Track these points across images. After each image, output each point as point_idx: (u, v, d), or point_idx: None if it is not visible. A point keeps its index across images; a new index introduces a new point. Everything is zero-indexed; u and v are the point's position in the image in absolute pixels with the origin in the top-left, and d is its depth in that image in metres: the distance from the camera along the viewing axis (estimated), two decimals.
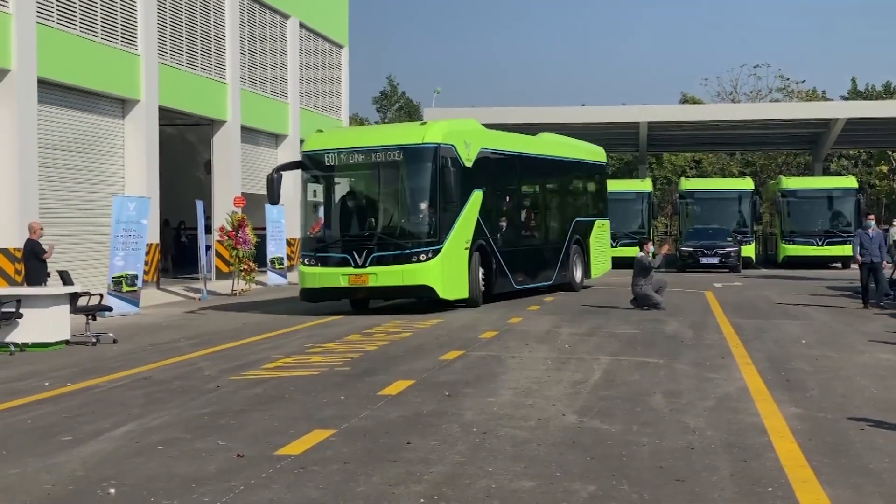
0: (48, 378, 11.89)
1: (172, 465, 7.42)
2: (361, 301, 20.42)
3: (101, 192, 24.26)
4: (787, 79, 71.81)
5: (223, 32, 30.56)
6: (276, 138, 34.96)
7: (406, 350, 13.86)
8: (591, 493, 6.59)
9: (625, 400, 9.82)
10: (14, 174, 20.53)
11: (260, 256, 28.27)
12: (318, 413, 9.31)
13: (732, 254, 34.65)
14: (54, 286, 16.50)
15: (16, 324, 14.67)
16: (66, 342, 15.15)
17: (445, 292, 19.16)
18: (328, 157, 19.87)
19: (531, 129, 27.57)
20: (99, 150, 24.43)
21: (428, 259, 18.90)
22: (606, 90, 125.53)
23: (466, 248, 19.80)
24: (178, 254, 32.64)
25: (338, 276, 19.15)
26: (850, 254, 25.74)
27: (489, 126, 23.39)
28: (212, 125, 30.62)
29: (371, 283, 19.01)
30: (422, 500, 6.45)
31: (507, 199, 22.53)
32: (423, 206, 19.41)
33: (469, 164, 20.16)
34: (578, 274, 24.83)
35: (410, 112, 75.99)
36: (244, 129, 31.66)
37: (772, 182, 47.05)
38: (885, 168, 65.66)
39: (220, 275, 28.51)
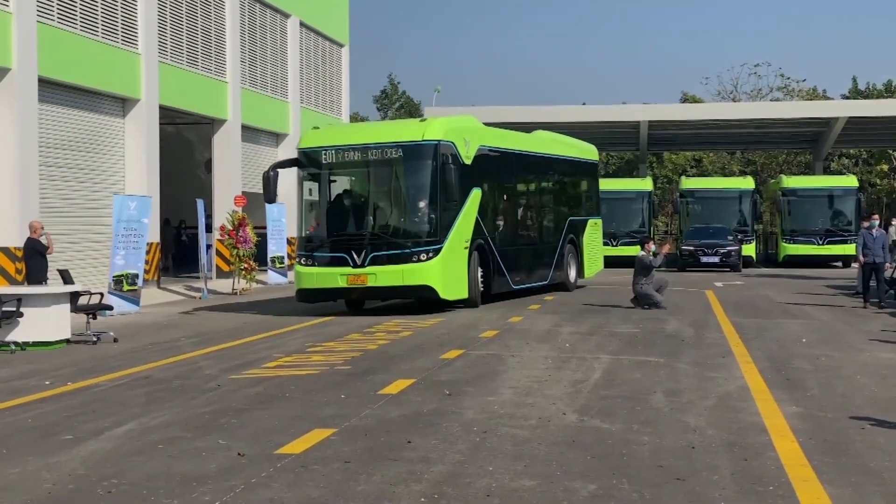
0: (49, 377, 11.89)
1: (173, 464, 7.43)
2: (357, 302, 20.18)
3: (101, 191, 24.26)
4: (788, 78, 71.76)
5: (223, 31, 30.57)
6: (276, 137, 34.95)
7: (406, 349, 13.84)
8: (592, 492, 6.59)
9: (625, 399, 9.82)
10: (15, 173, 20.54)
11: (260, 255, 28.26)
12: (319, 412, 9.30)
13: (733, 253, 34.66)
14: (55, 285, 16.51)
15: (16, 323, 14.68)
16: (67, 341, 15.15)
17: (446, 292, 18.96)
18: (325, 154, 19.57)
19: (531, 127, 27.47)
20: (99, 149, 24.43)
21: (428, 258, 18.68)
22: (607, 89, 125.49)
23: (466, 248, 19.59)
24: (178, 253, 32.67)
25: (336, 276, 18.89)
26: (851, 253, 25.74)
27: (490, 125, 23.33)
28: (212, 124, 30.63)
29: (370, 283, 18.74)
30: (422, 499, 6.45)
31: (505, 197, 22.36)
32: (423, 204, 19.15)
33: (468, 162, 19.90)
34: (572, 273, 24.75)
35: (411, 111, 75.87)
36: (245, 127, 31.67)
37: (772, 181, 47.02)
38: (885, 167, 65.56)
39: (221, 274, 28.52)
